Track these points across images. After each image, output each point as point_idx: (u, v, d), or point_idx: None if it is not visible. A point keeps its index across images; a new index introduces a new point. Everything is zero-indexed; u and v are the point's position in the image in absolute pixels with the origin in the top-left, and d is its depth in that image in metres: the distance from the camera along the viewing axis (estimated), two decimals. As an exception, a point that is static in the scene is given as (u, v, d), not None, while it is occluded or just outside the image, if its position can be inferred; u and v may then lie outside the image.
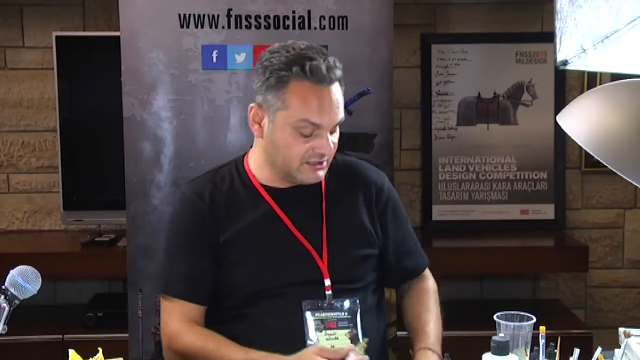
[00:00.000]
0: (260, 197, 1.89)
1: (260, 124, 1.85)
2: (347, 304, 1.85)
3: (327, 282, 1.85)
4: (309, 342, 1.80)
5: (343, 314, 1.84)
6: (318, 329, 1.81)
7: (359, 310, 1.86)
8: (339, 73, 1.81)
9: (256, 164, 1.92)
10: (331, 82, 1.78)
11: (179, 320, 1.86)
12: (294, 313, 1.82)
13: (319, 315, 1.82)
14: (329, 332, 1.82)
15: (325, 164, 1.84)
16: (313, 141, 1.79)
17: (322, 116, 1.78)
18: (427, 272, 2.07)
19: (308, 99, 1.77)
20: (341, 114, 1.82)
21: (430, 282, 2.06)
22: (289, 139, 1.79)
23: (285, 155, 1.82)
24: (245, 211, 1.88)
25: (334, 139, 1.84)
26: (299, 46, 1.81)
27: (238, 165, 1.95)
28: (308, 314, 1.82)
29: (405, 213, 2.06)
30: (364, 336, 1.83)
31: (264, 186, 1.90)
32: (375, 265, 1.97)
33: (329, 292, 1.85)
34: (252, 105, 1.85)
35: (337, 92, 1.81)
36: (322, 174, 1.86)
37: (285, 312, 1.83)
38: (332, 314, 1.83)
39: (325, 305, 1.84)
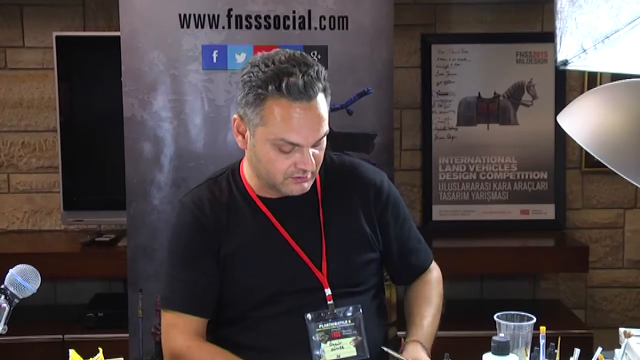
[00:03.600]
0: (257, 209, 1.86)
1: (243, 135, 1.81)
2: (349, 311, 1.84)
3: (328, 292, 1.84)
4: (315, 354, 1.80)
5: (346, 321, 1.83)
6: (322, 340, 1.80)
7: (362, 315, 1.85)
8: (319, 86, 1.71)
9: (249, 174, 1.88)
10: (310, 98, 1.70)
11: (183, 335, 1.81)
12: (294, 320, 1.81)
13: (323, 326, 1.81)
14: (334, 341, 1.81)
15: (309, 176, 1.79)
16: (294, 156, 1.74)
17: (300, 134, 1.71)
18: (432, 264, 2.06)
19: (285, 117, 1.70)
20: (323, 129, 1.74)
21: (434, 273, 2.05)
22: (269, 154, 1.75)
23: (268, 169, 1.78)
24: (244, 223, 1.86)
25: (318, 150, 1.78)
26: (279, 59, 1.71)
27: (234, 173, 1.91)
28: (312, 326, 1.81)
29: (407, 210, 2.03)
30: (368, 342, 1.83)
31: (259, 197, 1.87)
32: (376, 269, 1.95)
33: (330, 302, 1.83)
34: (234, 116, 1.81)
35: (319, 105, 1.72)
36: (307, 185, 1.81)
37: (286, 319, 1.81)
38: (335, 324, 1.82)
39: (328, 315, 1.82)
